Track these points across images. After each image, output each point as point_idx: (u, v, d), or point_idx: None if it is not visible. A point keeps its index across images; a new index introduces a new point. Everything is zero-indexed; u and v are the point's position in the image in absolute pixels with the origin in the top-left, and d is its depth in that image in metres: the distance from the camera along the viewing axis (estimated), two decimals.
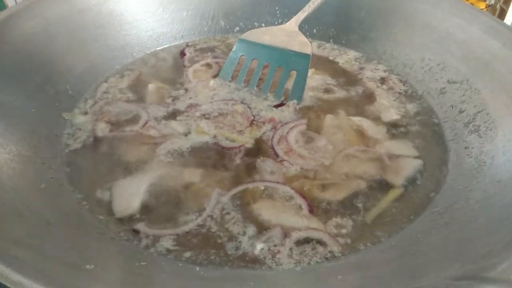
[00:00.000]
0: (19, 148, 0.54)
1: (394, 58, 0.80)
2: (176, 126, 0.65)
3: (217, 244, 0.48)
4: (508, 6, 1.12)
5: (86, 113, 0.67)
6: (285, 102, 0.70)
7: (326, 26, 0.88)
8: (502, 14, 1.18)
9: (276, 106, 0.69)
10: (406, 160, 0.60)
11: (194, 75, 0.77)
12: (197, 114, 0.67)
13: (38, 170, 0.54)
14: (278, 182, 0.56)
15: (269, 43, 0.73)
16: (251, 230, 0.50)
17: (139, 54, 0.81)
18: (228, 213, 0.52)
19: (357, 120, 0.67)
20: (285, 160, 0.59)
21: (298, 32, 0.74)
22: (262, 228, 0.50)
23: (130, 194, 0.54)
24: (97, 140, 0.62)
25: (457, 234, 0.44)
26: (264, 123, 0.65)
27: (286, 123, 0.65)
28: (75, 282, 0.34)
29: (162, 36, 0.84)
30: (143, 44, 0.82)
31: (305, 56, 0.71)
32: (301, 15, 0.76)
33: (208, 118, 0.66)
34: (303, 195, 0.54)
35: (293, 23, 0.76)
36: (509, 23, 1.15)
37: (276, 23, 0.88)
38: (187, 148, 0.61)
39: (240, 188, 0.55)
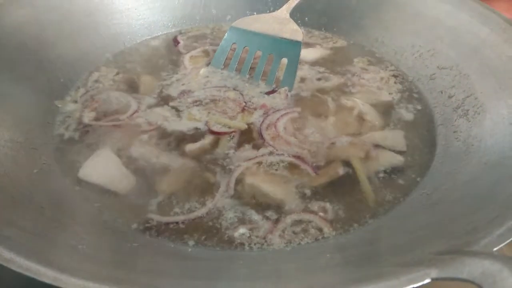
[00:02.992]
0: (11, 135, 0.54)
1: (385, 46, 0.80)
2: (163, 112, 0.65)
3: (210, 226, 0.49)
4: None
5: (76, 101, 0.68)
6: (276, 89, 0.70)
7: (317, 14, 0.88)
8: None
9: (268, 93, 0.69)
10: (388, 154, 0.59)
11: (191, 61, 0.78)
12: (189, 100, 0.67)
13: (30, 156, 0.54)
14: (282, 154, 0.58)
15: (260, 31, 0.74)
16: (248, 214, 0.51)
17: (130, 43, 0.81)
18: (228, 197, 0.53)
19: (360, 103, 0.67)
20: (271, 145, 0.59)
21: (289, 19, 0.74)
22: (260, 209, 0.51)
23: (112, 170, 0.55)
24: (85, 128, 0.62)
25: (443, 213, 0.45)
26: (255, 109, 0.66)
27: (278, 110, 0.66)
28: (67, 260, 0.35)
29: (153, 25, 0.84)
30: (134, 33, 0.82)
31: (296, 43, 0.71)
32: (292, 3, 0.76)
33: (199, 105, 0.66)
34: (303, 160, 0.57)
35: (284, 10, 0.76)
36: None
37: (267, 11, 0.88)
38: (176, 134, 0.61)
39: (243, 166, 0.56)
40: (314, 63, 0.78)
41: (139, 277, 0.34)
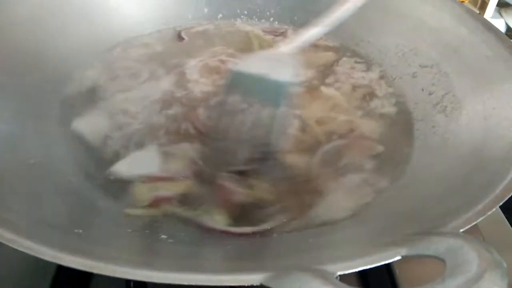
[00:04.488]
0: (8, 127, 0.56)
1: (370, 45, 0.83)
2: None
3: None
4: None
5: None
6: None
7: (306, 13, 0.90)
8: (483, 6, 1.22)
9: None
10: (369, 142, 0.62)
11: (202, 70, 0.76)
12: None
13: (26, 148, 0.56)
14: None
15: (255, 72, 0.57)
16: None
17: (123, 39, 0.83)
18: None
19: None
20: None
21: (291, 56, 0.61)
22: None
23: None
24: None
25: (419, 202, 0.48)
26: None
27: None
28: (64, 241, 0.37)
29: (146, 23, 0.86)
30: (127, 30, 0.83)
31: (282, 84, 0.56)
32: (302, 38, 0.64)
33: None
34: None
35: (288, 45, 0.63)
36: (490, 15, 1.20)
37: (258, 10, 0.90)
38: None
39: None
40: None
41: (132, 256, 0.37)
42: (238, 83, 0.57)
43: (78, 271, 0.33)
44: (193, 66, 0.76)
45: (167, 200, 0.51)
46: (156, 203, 0.51)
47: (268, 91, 0.55)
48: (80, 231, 0.41)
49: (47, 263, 0.34)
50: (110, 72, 0.72)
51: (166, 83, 0.72)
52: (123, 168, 0.55)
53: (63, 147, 0.59)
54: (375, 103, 0.71)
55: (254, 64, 0.58)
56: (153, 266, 0.34)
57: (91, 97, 0.68)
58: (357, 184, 0.56)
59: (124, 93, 0.69)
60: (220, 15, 0.91)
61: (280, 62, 0.59)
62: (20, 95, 0.63)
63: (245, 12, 0.91)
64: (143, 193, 0.52)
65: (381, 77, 0.77)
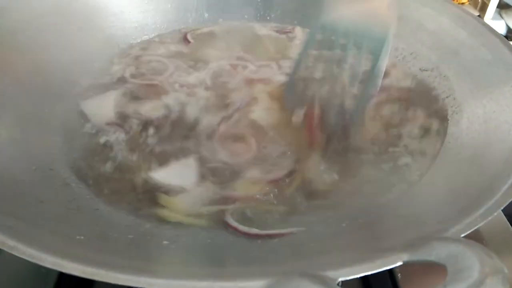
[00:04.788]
0: (10, 133, 0.57)
1: None
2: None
3: None
4: (489, 0, 1.17)
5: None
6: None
7: (307, 18, 0.90)
8: (483, 8, 1.22)
9: None
10: None
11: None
12: None
13: (28, 154, 0.56)
14: None
15: (355, 25, 0.52)
16: None
17: (124, 45, 0.83)
18: None
19: None
20: None
21: (387, 7, 0.56)
22: None
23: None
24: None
25: (420, 206, 0.48)
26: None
27: None
28: (66, 248, 0.37)
29: (146, 28, 0.86)
30: (128, 35, 0.84)
31: (380, 39, 0.50)
32: None
33: None
34: None
35: None
36: (490, 17, 1.20)
37: (258, 14, 0.91)
38: None
39: None
40: None
41: (134, 263, 0.37)
42: (334, 34, 0.53)
43: (80, 277, 0.33)
44: (206, 72, 0.76)
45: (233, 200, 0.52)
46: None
47: (367, 44, 0.52)
48: (82, 237, 0.41)
49: (49, 269, 0.34)
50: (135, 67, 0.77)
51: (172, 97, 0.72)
52: (160, 175, 0.55)
53: (65, 154, 0.60)
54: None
55: (351, 16, 0.54)
56: (155, 273, 0.34)
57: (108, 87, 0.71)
58: None
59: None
60: (221, 20, 0.91)
61: (377, 14, 0.55)
62: (22, 100, 0.63)
63: (246, 16, 0.91)
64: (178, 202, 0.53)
65: (393, 65, 0.76)
